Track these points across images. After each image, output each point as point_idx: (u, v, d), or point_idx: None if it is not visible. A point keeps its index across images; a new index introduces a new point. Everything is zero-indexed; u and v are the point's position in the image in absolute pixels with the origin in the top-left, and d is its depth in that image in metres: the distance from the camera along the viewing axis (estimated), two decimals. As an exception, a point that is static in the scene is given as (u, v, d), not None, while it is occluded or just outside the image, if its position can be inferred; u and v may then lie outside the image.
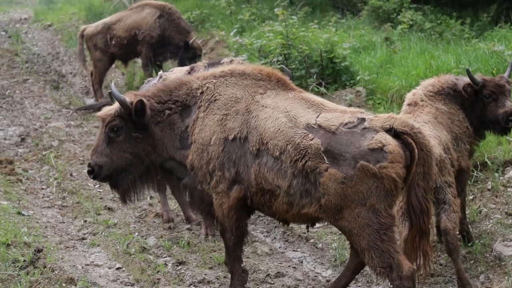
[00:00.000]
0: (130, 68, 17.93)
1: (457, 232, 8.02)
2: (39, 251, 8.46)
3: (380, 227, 6.48)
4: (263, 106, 7.03)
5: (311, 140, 6.63)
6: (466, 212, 8.74)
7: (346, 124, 6.63)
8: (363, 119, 6.64)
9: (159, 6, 16.57)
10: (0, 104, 15.86)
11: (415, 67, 12.70)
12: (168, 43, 16.10)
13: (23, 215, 10.01)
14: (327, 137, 6.60)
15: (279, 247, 9.50)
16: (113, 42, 16.21)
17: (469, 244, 8.57)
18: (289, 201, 6.80)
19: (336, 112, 6.84)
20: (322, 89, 13.36)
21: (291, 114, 6.87)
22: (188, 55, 15.81)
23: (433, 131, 7.97)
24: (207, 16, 19.98)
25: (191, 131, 7.19)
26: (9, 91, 16.90)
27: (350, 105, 12.52)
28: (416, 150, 6.56)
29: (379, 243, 6.48)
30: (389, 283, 6.66)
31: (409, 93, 8.67)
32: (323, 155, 6.56)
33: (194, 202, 7.46)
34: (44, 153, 12.99)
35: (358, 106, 12.45)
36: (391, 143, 6.46)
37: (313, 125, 6.72)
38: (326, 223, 7.46)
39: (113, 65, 17.64)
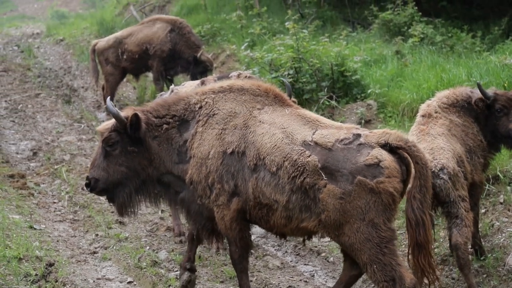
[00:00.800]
0: (142, 82, 17.99)
1: (469, 247, 7.97)
2: (51, 265, 8.48)
3: (381, 241, 6.51)
4: (260, 121, 7.13)
5: (309, 157, 6.70)
6: (478, 226, 8.69)
7: (342, 140, 6.71)
8: (359, 135, 6.71)
9: (170, 20, 16.62)
10: (13, 119, 15.93)
11: (426, 80, 12.68)
12: (179, 57, 16.13)
13: (35, 229, 10.03)
14: (323, 154, 6.67)
15: (291, 261, 9.48)
16: (125, 57, 16.26)
17: (482, 258, 8.52)
18: (288, 215, 6.87)
19: (331, 128, 6.92)
20: (333, 102, 13.36)
21: (287, 131, 6.95)
22: (199, 69, 15.84)
23: (447, 144, 7.93)
24: (218, 30, 20.03)
25: (190, 146, 7.28)
26: (21, 105, 16.98)
27: (361, 118, 12.52)
28: (411, 164, 6.63)
29: (381, 256, 6.51)
30: None
31: (424, 104, 8.63)
32: (320, 171, 6.62)
33: (191, 216, 7.53)
34: (56, 167, 13.03)
35: (369, 120, 12.47)
36: (387, 159, 6.54)
37: (309, 142, 6.79)
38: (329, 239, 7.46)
39: (125, 79, 17.70)
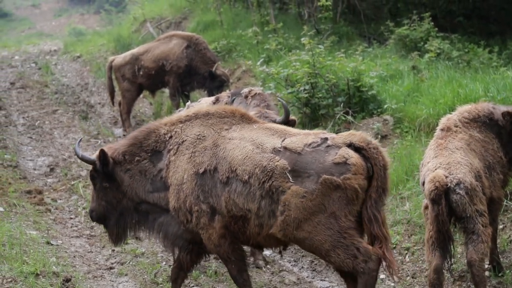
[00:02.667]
0: (158, 98, 18.06)
1: (485, 264, 7.87)
2: (68, 280, 8.50)
3: (341, 228, 6.81)
4: (230, 139, 7.40)
5: (278, 161, 6.99)
6: (497, 242, 8.61)
7: (310, 144, 7.05)
8: (326, 138, 7.07)
9: (186, 36, 16.71)
10: (30, 135, 16.03)
11: (442, 95, 12.62)
12: (195, 73, 16.20)
13: (52, 244, 10.06)
14: (293, 158, 6.99)
15: (307, 276, 9.45)
16: (141, 73, 16.34)
17: (500, 275, 8.45)
18: (260, 223, 7.12)
19: (300, 135, 7.24)
20: (349, 117, 13.32)
21: (257, 142, 7.24)
22: (215, 84, 15.91)
23: (464, 158, 7.85)
24: (234, 46, 20.07)
25: (167, 175, 7.57)
26: (38, 121, 17.09)
27: (377, 134, 12.48)
28: None
29: (342, 240, 6.81)
30: (355, 272, 6.84)
31: (443, 118, 8.56)
32: (288, 174, 6.90)
33: (169, 238, 7.75)
34: (72, 183, 13.08)
35: (386, 135, 12.43)
36: (354, 156, 6.91)
37: (279, 148, 7.09)
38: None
39: (141, 95, 17.78)
